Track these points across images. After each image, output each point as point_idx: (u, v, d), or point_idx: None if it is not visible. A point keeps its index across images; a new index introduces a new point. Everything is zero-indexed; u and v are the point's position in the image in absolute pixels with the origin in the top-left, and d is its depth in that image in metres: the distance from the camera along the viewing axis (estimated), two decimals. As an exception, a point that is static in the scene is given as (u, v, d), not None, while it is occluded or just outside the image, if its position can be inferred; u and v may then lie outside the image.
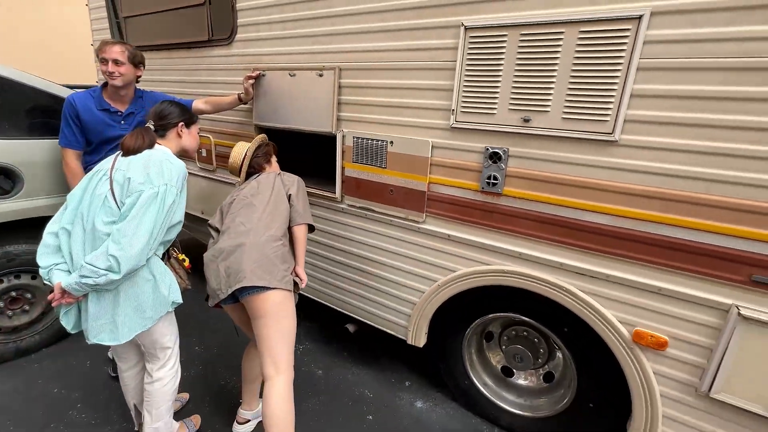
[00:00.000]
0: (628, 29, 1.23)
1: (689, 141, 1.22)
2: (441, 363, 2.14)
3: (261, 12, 2.13)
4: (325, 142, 2.12)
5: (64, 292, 1.31)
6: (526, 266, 1.62)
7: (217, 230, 1.72)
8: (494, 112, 1.53)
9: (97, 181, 1.42)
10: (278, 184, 1.79)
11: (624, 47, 1.25)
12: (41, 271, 1.37)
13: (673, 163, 1.26)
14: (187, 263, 1.68)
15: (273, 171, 1.92)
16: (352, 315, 2.30)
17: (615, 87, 1.29)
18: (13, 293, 2.26)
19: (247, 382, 1.89)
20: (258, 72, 2.19)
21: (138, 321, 1.41)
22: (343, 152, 2.02)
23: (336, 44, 1.90)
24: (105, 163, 1.48)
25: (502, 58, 1.47)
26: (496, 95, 1.51)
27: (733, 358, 1.26)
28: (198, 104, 2.29)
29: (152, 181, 1.38)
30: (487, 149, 1.58)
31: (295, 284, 1.67)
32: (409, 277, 1.98)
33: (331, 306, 2.36)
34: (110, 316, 1.37)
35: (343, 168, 2.05)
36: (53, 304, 1.34)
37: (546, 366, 1.96)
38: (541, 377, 1.99)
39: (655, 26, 1.21)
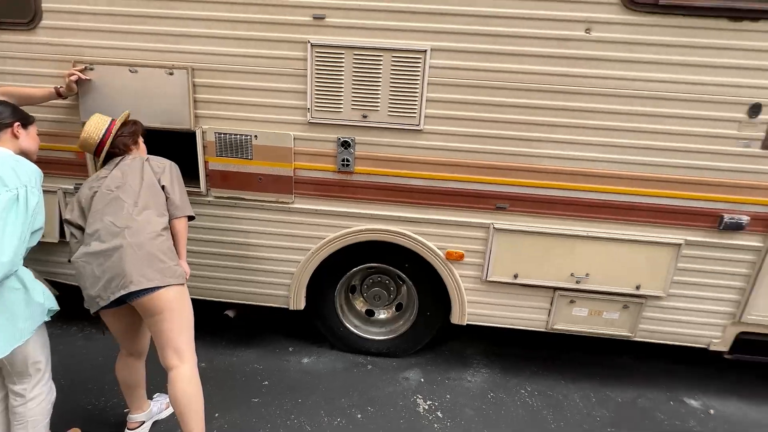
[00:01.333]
0: (420, 58, 1.92)
1: (459, 128, 2.01)
2: (319, 320, 2.57)
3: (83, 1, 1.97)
4: (177, 138, 2.16)
5: None
6: (376, 222, 2.21)
7: (80, 228, 1.61)
8: (341, 110, 2.03)
9: None
10: (148, 172, 1.67)
11: (419, 69, 1.94)
12: None
13: (453, 142, 2.04)
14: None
15: (140, 155, 1.77)
16: (231, 301, 2.45)
17: (417, 94, 1.97)
18: None
19: (130, 388, 1.84)
20: (84, 66, 2.02)
21: (13, 333, 1.30)
22: (204, 147, 2.14)
23: (187, 45, 2.00)
24: None
25: (342, 70, 1.97)
26: (341, 97, 2.01)
27: (494, 255, 2.17)
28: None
29: (6, 184, 1.28)
30: (339, 139, 2.07)
31: None
32: (285, 251, 2.30)
33: (207, 298, 2.43)
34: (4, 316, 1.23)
35: (206, 162, 2.17)
36: None
37: (397, 299, 2.65)
38: (394, 308, 2.68)
39: (434, 58, 1.93)
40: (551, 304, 2.27)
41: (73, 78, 1.99)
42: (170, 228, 1.70)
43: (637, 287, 2.18)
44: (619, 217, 2.09)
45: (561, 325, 2.31)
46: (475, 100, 1.97)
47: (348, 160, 2.10)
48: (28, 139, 1.53)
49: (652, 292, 2.18)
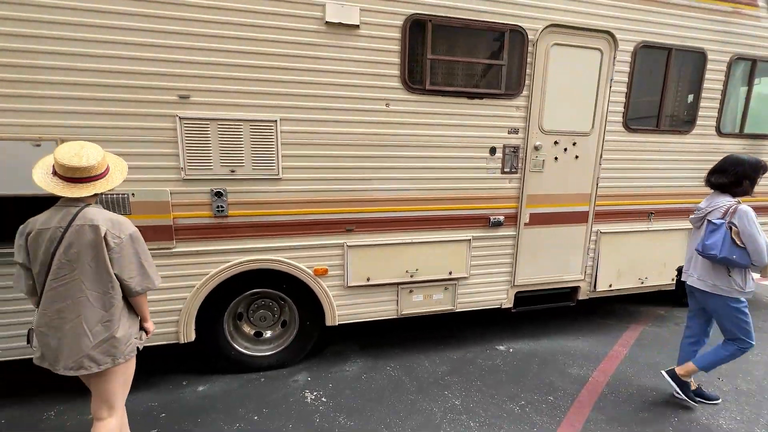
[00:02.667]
0: (272, 126, 2.54)
1: (310, 174, 2.68)
2: (210, 348, 2.87)
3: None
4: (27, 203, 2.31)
5: None
6: (253, 254, 2.70)
7: (28, 270, 1.63)
8: (212, 167, 2.50)
9: None
10: (101, 255, 1.60)
11: (273, 133, 2.55)
12: None
13: (306, 185, 2.69)
14: None
15: (97, 213, 1.63)
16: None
17: (274, 152, 2.58)
18: None
19: None
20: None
21: None
22: (80, 208, 2.34)
23: (52, 120, 2.22)
24: None
25: (209, 136, 2.46)
26: (211, 157, 2.48)
27: (350, 265, 2.87)
28: None
29: None
30: (212, 190, 2.53)
31: (145, 331, 1.84)
32: (171, 291, 2.60)
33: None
34: None
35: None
36: None
37: (281, 318, 3.12)
38: (280, 326, 3.14)
39: (284, 125, 2.57)
40: (397, 295, 3.06)
41: None
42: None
43: (450, 273, 3.13)
44: (429, 226, 3.01)
45: (407, 311, 3.12)
46: (320, 154, 2.68)
47: (222, 207, 2.57)
48: None
49: (460, 275, 3.16)
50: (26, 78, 2.17)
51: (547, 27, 2.93)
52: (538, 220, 3.27)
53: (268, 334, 3.12)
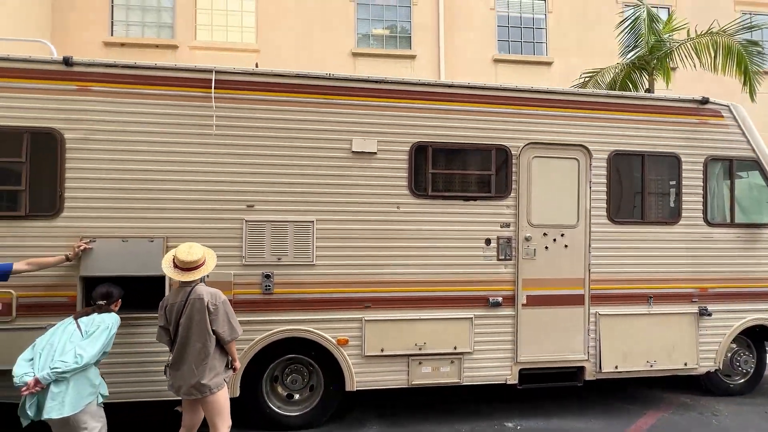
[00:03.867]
0: (310, 225, 3.39)
1: (338, 261, 3.43)
2: (250, 404, 3.44)
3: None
4: (147, 282, 3.20)
5: (37, 382, 2.11)
6: (289, 324, 3.37)
7: (167, 329, 2.54)
8: (264, 256, 3.33)
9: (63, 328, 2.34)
10: (205, 319, 2.46)
11: (310, 231, 3.39)
12: (16, 378, 2.16)
13: (334, 269, 3.42)
14: None
15: (202, 289, 2.55)
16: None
17: (310, 244, 3.38)
18: None
19: None
20: (89, 239, 3.11)
21: (77, 402, 2.20)
22: (171, 286, 3.22)
23: (162, 223, 3.23)
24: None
25: (264, 233, 3.34)
26: (264, 248, 3.33)
27: (367, 337, 3.43)
28: (19, 265, 2.87)
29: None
30: (263, 273, 3.34)
31: (233, 368, 2.73)
32: (225, 353, 3.29)
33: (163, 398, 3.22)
34: (62, 397, 2.12)
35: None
36: (24, 392, 2.13)
37: (310, 382, 3.65)
38: (308, 389, 3.66)
39: (318, 225, 3.42)
40: (408, 366, 3.52)
41: (82, 247, 3.05)
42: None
43: (455, 348, 3.57)
44: (435, 305, 3.56)
45: (417, 381, 3.54)
46: (345, 245, 3.45)
47: (269, 286, 3.34)
48: None
49: (464, 350, 3.58)
50: (146, 197, 3.23)
51: (527, 144, 3.69)
52: (535, 301, 3.70)
53: (297, 396, 3.64)
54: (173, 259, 2.57)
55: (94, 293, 2.66)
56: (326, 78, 3.51)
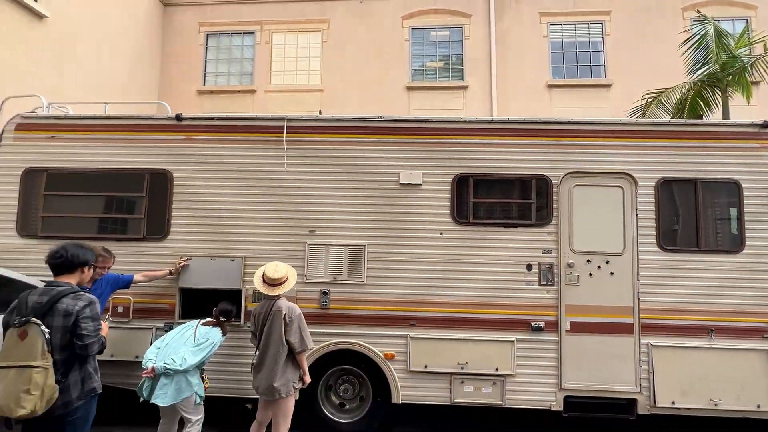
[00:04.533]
0: (362, 248, 3.84)
1: (387, 282, 3.81)
2: (307, 408, 3.86)
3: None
4: (229, 293, 3.83)
5: (152, 370, 2.71)
6: (342, 337, 3.78)
7: (255, 337, 3.08)
8: (323, 275, 3.83)
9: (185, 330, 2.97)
10: (281, 329, 2.92)
11: (362, 254, 3.83)
12: (143, 361, 2.81)
13: (383, 289, 3.81)
14: (206, 384, 3.14)
15: (282, 303, 3.04)
16: (249, 396, 3.79)
17: (362, 265, 3.82)
18: None
19: None
20: (187, 258, 3.85)
21: (177, 396, 2.79)
22: (246, 298, 3.83)
23: (242, 246, 3.89)
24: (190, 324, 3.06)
25: (322, 256, 3.85)
26: (323, 268, 3.83)
27: (412, 353, 3.72)
28: (138, 277, 3.66)
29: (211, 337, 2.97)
30: (321, 290, 3.82)
31: (302, 381, 3.12)
32: (287, 359, 3.79)
33: (233, 396, 3.77)
34: (166, 389, 2.71)
35: (245, 306, 3.83)
36: (143, 375, 2.77)
37: (359, 393, 4.00)
38: (358, 400, 4.00)
39: (370, 248, 3.86)
40: (450, 384, 3.72)
41: (181, 264, 3.79)
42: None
43: (497, 369, 3.70)
44: (477, 326, 3.75)
45: (459, 399, 3.71)
46: (393, 267, 3.83)
47: (326, 302, 3.82)
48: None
49: (506, 372, 3.70)
50: (230, 224, 3.93)
51: (567, 173, 3.84)
52: (580, 328, 3.72)
53: (348, 405, 4.00)
54: (263, 276, 3.12)
55: (217, 310, 3.28)
56: (377, 120, 4.04)
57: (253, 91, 11.08)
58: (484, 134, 3.95)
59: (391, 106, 10.15)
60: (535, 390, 3.70)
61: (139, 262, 3.88)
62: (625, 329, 3.72)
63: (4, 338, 2.14)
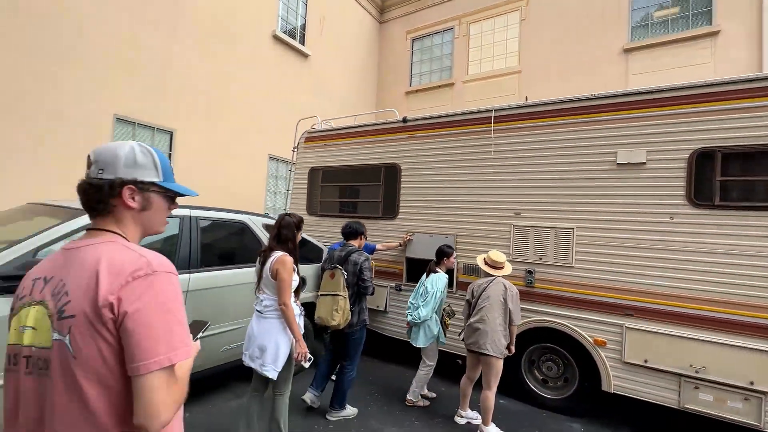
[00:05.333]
0: (571, 231, 3.84)
1: (597, 266, 3.70)
2: (512, 377, 4.21)
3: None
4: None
5: (408, 323, 3.69)
6: (545, 316, 3.92)
7: (469, 304, 3.63)
8: (528, 255, 4.04)
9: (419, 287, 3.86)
10: (502, 300, 3.35)
11: (570, 236, 3.83)
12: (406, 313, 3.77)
13: (593, 273, 3.71)
14: (448, 324, 3.96)
15: (502, 280, 3.46)
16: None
17: (570, 248, 3.82)
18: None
19: (462, 396, 3.69)
20: (411, 233, 4.79)
21: (424, 341, 3.69)
22: (458, 270, 4.46)
23: (454, 225, 4.52)
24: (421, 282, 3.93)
25: (528, 236, 4.05)
26: (528, 249, 4.04)
27: (628, 344, 3.51)
28: (378, 246, 4.81)
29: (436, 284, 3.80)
30: (526, 270, 4.05)
31: (508, 350, 3.46)
32: (493, 328, 4.23)
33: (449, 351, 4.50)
34: (417, 335, 3.67)
35: (457, 277, 4.47)
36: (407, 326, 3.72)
37: (563, 374, 4.05)
38: (562, 380, 4.07)
39: (578, 231, 3.81)
40: (679, 387, 3.32)
41: (407, 238, 4.75)
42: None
43: (751, 383, 3.05)
44: (720, 327, 3.18)
45: (691, 405, 3.27)
46: (605, 252, 3.67)
47: (531, 280, 4.02)
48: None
49: (766, 389, 3.01)
50: (445, 206, 4.61)
51: None
52: None
53: (550, 383, 4.12)
54: (485, 258, 3.64)
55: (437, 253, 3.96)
56: (591, 98, 3.86)
57: (451, 84, 11.82)
58: (744, 96, 3.21)
59: (600, 75, 8.98)
60: (819, 422, 2.87)
61: (378, 235, 5.08)
62: None
63: (322, 279, 3.41)
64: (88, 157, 1.02)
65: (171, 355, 0.89)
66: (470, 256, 4.40)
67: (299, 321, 2.76)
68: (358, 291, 3.39)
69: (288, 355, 2.66)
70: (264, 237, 4.11)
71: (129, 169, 1.02)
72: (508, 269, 3.58)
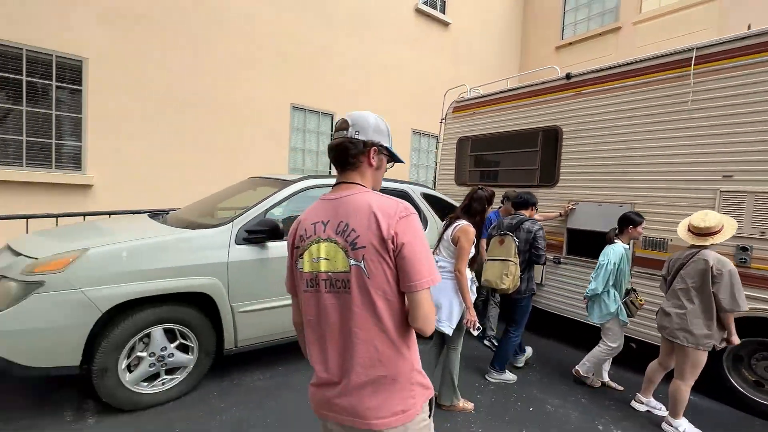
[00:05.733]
0: None
1: None
2: (714, 373, 3.53)
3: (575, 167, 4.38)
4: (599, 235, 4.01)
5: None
6: (765, 303, 3.12)
7: (665, 280, 3.02)
8: (742, 228, 3.24)
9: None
10: (702, 279, 2.70)
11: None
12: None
13: None
14: (641, 302, 3.41)
15: (710, 254, 2.75)
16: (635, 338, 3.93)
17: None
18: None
19: (647, 381, 3.24)
20: (574, 202, 4.37)
21: (599, 317, 3.40)
22: (635, 243, 3.91)
23: (630, 192, 3.93)
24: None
25: (743, 205, 3.23)
26: (742, 220, 3.24)
27: None
28: (537, 216, 4.54)
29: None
30: (738, 246, 3.27)
31: (728, 341, 2.80)
32: (683, 312, 3.59)
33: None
34: (590, 310, 3.44)
35: (634, 251, 3.92)
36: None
37: (791, 378, 3.20)
38: (788, 386, 3.22)
39: None
40: None
41: (569, 208, 4.37)
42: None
43: None
44: None
45: None
46: None
47: (745, 259, 3.23)
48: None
49: None
50: (619, 170, 4.02)
51: None
52: None
53: (766, 387, 3.31)
54: (688, 225, 2.94)
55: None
56: None
57: (617, 29, 9.97)
58: None
59: None
60: None
61: (533, 204, 4.80)
62: None
63: (487, 246, 3.46)
64: (344, 120, 1.27)
65: (433, 277, 1.13)
66: (653, 228, 3.78)
67: (471, 288, 2.89)
68: (528, 259, 3.33)
69: (460, 315, 2.83)
70: (422, 205, 4.36)
71: (375, 134, 1.24)
72: (725, 233, 2.77)
